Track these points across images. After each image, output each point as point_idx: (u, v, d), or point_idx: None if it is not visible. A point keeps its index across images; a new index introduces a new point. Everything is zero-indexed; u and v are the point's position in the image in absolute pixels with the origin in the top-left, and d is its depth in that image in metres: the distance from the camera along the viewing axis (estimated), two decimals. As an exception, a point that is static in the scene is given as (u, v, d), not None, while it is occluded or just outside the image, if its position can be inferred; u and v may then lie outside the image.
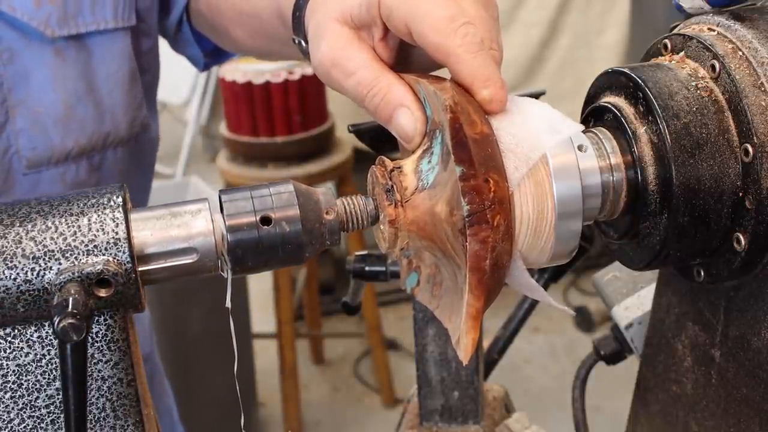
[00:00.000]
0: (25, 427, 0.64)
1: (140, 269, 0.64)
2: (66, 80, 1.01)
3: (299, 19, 0.83)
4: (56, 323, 0.56)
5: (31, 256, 0.61)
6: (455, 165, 0.60)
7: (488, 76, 0.65)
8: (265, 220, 0.64)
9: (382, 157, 0.69)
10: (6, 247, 0.61)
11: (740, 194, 0.66)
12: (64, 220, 0.62)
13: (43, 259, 0.61)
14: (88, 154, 1.04)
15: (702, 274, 0.71)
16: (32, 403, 0.64)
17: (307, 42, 0.81)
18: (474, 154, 0.60)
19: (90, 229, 0.62)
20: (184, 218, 0.65)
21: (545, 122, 0.65)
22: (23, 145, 0.99)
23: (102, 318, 0.64)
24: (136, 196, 1.15)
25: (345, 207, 0.68)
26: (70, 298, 0.57)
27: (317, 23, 0.75)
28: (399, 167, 0.67)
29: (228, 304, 0.68)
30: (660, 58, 0.73)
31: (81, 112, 1.02)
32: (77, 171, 1.04)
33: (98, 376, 0.65)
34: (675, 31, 0.74)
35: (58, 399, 0.64)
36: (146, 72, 1.12)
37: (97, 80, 1.04)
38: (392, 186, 0.67)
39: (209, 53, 1.23)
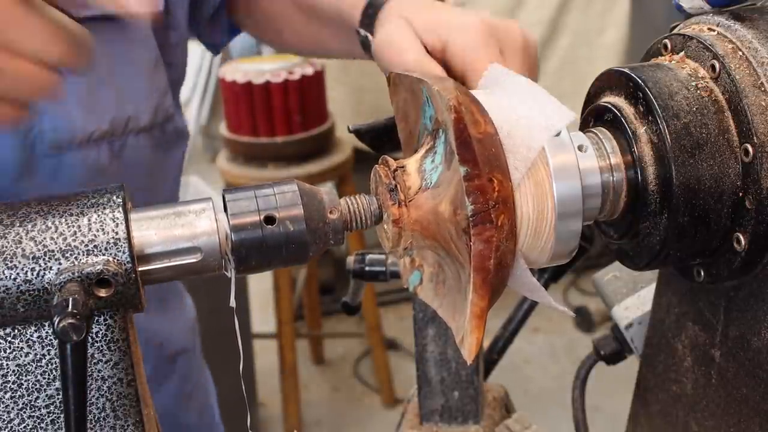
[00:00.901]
0: (25, 427, 0.64)
1: (144, 268, 0.64)
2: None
3: (372, 15, 0.97)
4: (56, 323, 0.56)
5: (31, 256, 0.61)
6: (459, 165, 0.60)
7: None
8: (269, 220, 0.64)
9: (386, 156, 0.69)
10: (6, 247, 0.61)
11: (740, 194, 0.66)
12: (64, 220, 0.62)
13: (43, 259, 0.61)
14: (108, 138, 1.04)
15: (702, 274, 0.71)
16: (32, 403, 0.64)
17: (372, 35, 0.96)
18: (478, 153, 0.60)
19: (90, 229, 0.62)
20: (188, 218, 0.65)
21: (540, 117, 0.65)
22: (46, 126, 0.99)
23: (102, 318, 0.64)
24: (165, 191, 1.14)
25: (349, 206, 0.68)
26: (70, 298, 0.57)
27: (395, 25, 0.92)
28: (402, 166, 0.67)
29: (232, 303, 0.68)
30: (660, 58, 0.73)
31: (103, 96, 1.02)
32: (98, 155, 1.04)
33: (98, 376, 0.65)
34: (675, 31, 0.74)
35: (58, 399, 0.64)
36: (172, 66, 1.13)
37: (119, 64, 1.04)
38: (396, 185, 0.67)
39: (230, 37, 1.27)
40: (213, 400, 1.38)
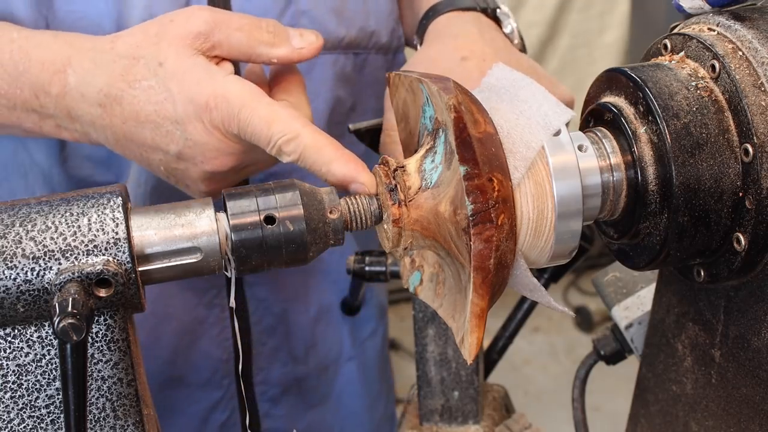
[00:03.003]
0: (25, 427, 0.64)
1: (143, 268, 0.64)
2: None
3: (424, 26, 1.03)
4: (56, 323, 0.56)
5: (31, 256, 0.61)
6: (459, 164, 0.60)
7: None
8: (269, 220, 0.64)
9: (386, 156, 0.69)
10: (6, 247, 0.61)
11: (740, 194, 0.66)
12: (64, 220, 0.62)
13: (43, 259, 0.61)
14: (354, 48, 1.11)
15: (702, 274, 0.71)
16: (32, 403, 0.64)
17: (420, 44, 1.03)
18: (478, 153, 0.60)
19: (90, 229, 0.62)
20: (188, 217, 0.65)
21: (539, 116, 0.65)
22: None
23: (102, 318, 0.64)
24: None
25: (349, 206, 0.68)
26: (70, 298, 0.57)
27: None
28: (402, 166, 0.67)
29: (232, 303, 0.68)
30: (660, 58, 0.73)
31: (352, 6, 1.09)
32: (345, 63, 1.10)
33: (98, 376, 0.65)
34: (675, 31, 0.74)
35: (58, 399, 0.64)
36: None
37: None
38: (396, 185, 0.67)
39: None
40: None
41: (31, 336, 0.63)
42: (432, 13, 1.03)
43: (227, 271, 0.66)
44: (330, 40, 1.05)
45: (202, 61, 0.81)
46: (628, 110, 0.69)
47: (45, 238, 0.62)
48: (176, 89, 0.80)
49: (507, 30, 1.02)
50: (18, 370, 0.63)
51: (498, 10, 1.03)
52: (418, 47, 1.03)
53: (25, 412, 0.64)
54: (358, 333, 1.26)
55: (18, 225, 0.62)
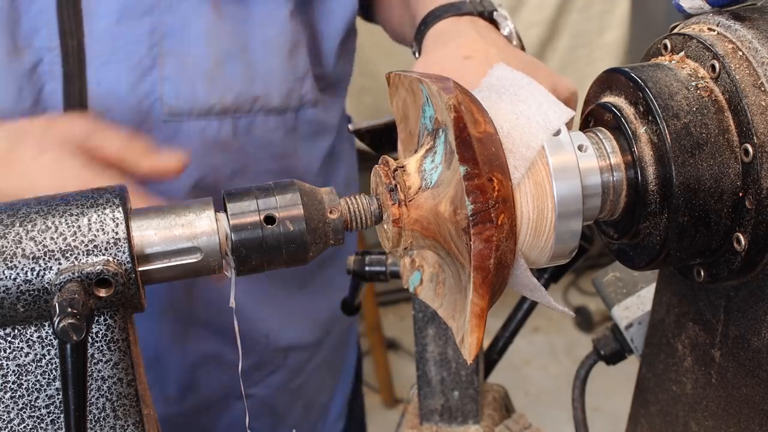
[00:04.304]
0: (25, 427, 0.64)
1: (143, 269, 0.64)
2: (220, 36, 1.04)
3: (422, 33, 1.01)
4: (56, 323, 0.56)
5: (31, 256, 0.61)
6: (459, 164, 0.60)
7: None
8: (269, 220, 0.64)
9: (386, 156, 0.69)
10: (6, 247, 0.61)
11: (740, 194, 0.66)
12: (64, 220, 0.62)
13: (43, 259, 0.61)
14: (233, 113, 1.06)
15: (702, 274, 0.71)
16: (32, 403, 0.64)
17: (418, 53, 1.01)
18: (478, 153, 0.60)
19: (90, 229, 0.62)
20: (188, 217, 0.65)
21: (539, 115, 0.65)
22: (167, 92, 1.02)
23: (102, 318, 0.64)
24: (308, 181, 1.19)
25: (349, 206, 0.68)
26: (70, 298, 0.57)
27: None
28: (402, 166, 0.67)
29: (232, 303, 0.68)
30: (660, 58, 0.73)
31: (230, 70, 1.05)
32: (219, 129, 1.06)
33: (98, 376, 0.65)
34: (675, 31, 0.74)
35: (58, 399, 0.64)
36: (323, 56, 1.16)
37: (253, 42, 1.06)
38: (396, 185, 0.67)
39: None
40: (333, 402, 1.38)
41: (31, 336, 0.63)
42: (430, 19, 1.02)
43: (227, 271, 0.66)
44: (197, 107, 1.03)
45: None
46: (628, 110, 0.69)
47: (45, 238, 0.62)
48: None
49: (505, 32, 1.01)
50: (18, 370, 0.63)
51: (495, 13, 1.03)
52: (416, 55, 1.02)
53: (25, 412, 0.64)
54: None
55: (18, 225, 0.62)
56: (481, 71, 0.87)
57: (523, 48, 1.04)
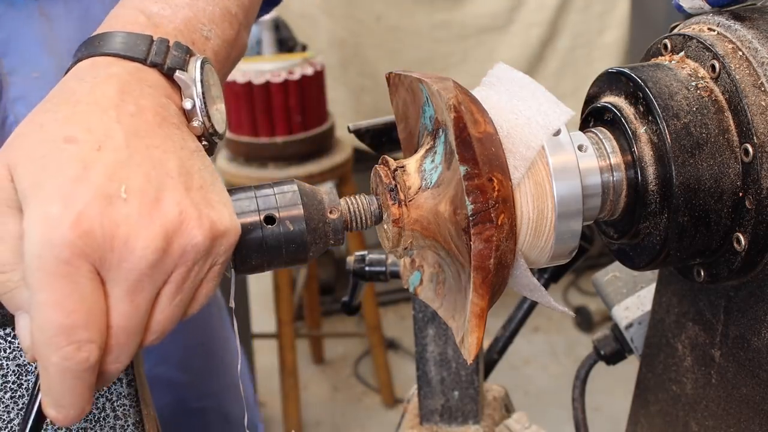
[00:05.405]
0: (25, 427, 0.64)
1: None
2: (57, 42, 0.96)
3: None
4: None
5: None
6: (459, 164, 0.60)
7: None
8: (269, 220, 0.64)
9: (386, 156, 0.69)
10: None
11: (740, 194, 0.66)
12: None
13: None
14: None
15: (702, 274, 0.71)
16: (32, 403, 0.64)
17: None
18: (478, 153, 0.60)
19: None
20: None
21: (539, 115, 0.65)
22: (21, 113, 0.94)
23: (102, 318, 0.63)
24: None
25: (349, 206, 0.68)
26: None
27: None
28: (402, 166, 0.67)
29: (231, 303, 0.68)
30: (660, 58, 0.73)
31: None
32: None
33: (98, 376, 0.64)
34: (675, 31, 0.74)
35: (58, 399, 0.64)
36: None
37: None
38: (396, 185, 0.67)
39: None
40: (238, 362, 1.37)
41: (31, 336, 0.63)
42: (80, 50, 0.66)
43: (227, 271, 0.66)
44: None
45: None
46: (628, 110, 0.69)
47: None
48: None
49: (186, 105, 0.66)
50: (18, 370, 0.63)
51: (177, 73, 0.66)
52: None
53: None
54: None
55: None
56: (78, 167, 0.55)
57: (216, 135, 0.67)
